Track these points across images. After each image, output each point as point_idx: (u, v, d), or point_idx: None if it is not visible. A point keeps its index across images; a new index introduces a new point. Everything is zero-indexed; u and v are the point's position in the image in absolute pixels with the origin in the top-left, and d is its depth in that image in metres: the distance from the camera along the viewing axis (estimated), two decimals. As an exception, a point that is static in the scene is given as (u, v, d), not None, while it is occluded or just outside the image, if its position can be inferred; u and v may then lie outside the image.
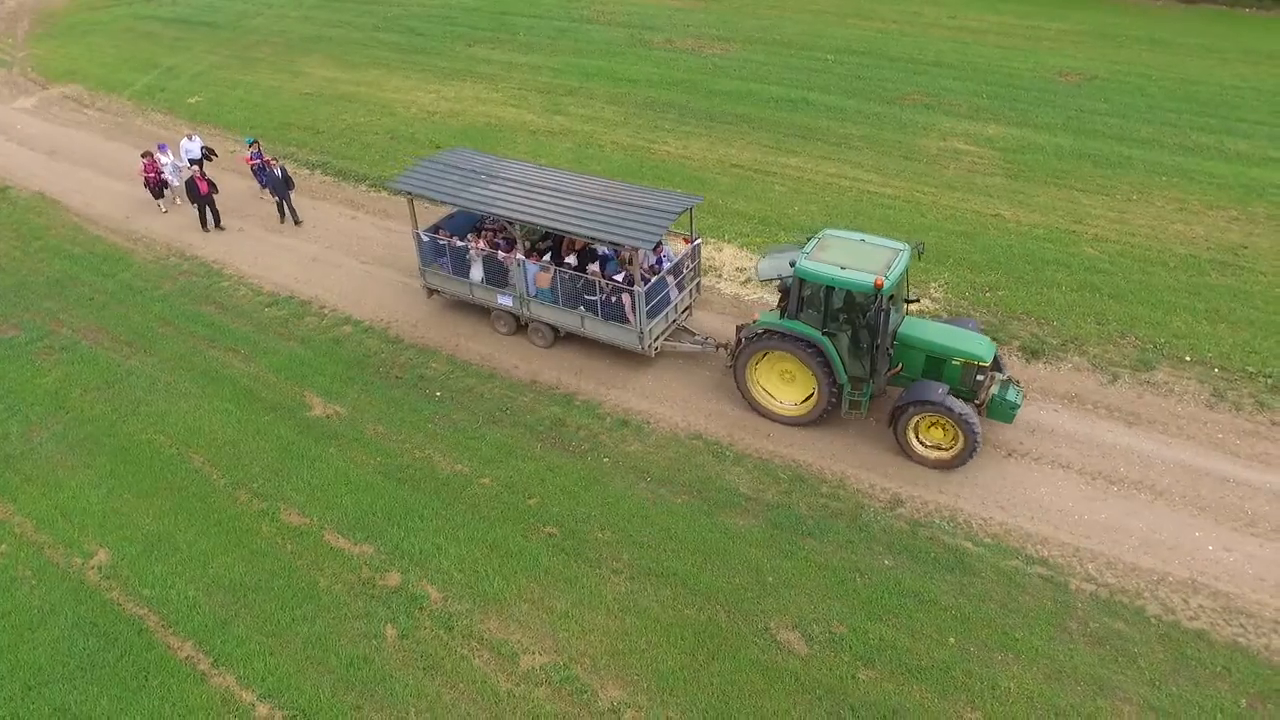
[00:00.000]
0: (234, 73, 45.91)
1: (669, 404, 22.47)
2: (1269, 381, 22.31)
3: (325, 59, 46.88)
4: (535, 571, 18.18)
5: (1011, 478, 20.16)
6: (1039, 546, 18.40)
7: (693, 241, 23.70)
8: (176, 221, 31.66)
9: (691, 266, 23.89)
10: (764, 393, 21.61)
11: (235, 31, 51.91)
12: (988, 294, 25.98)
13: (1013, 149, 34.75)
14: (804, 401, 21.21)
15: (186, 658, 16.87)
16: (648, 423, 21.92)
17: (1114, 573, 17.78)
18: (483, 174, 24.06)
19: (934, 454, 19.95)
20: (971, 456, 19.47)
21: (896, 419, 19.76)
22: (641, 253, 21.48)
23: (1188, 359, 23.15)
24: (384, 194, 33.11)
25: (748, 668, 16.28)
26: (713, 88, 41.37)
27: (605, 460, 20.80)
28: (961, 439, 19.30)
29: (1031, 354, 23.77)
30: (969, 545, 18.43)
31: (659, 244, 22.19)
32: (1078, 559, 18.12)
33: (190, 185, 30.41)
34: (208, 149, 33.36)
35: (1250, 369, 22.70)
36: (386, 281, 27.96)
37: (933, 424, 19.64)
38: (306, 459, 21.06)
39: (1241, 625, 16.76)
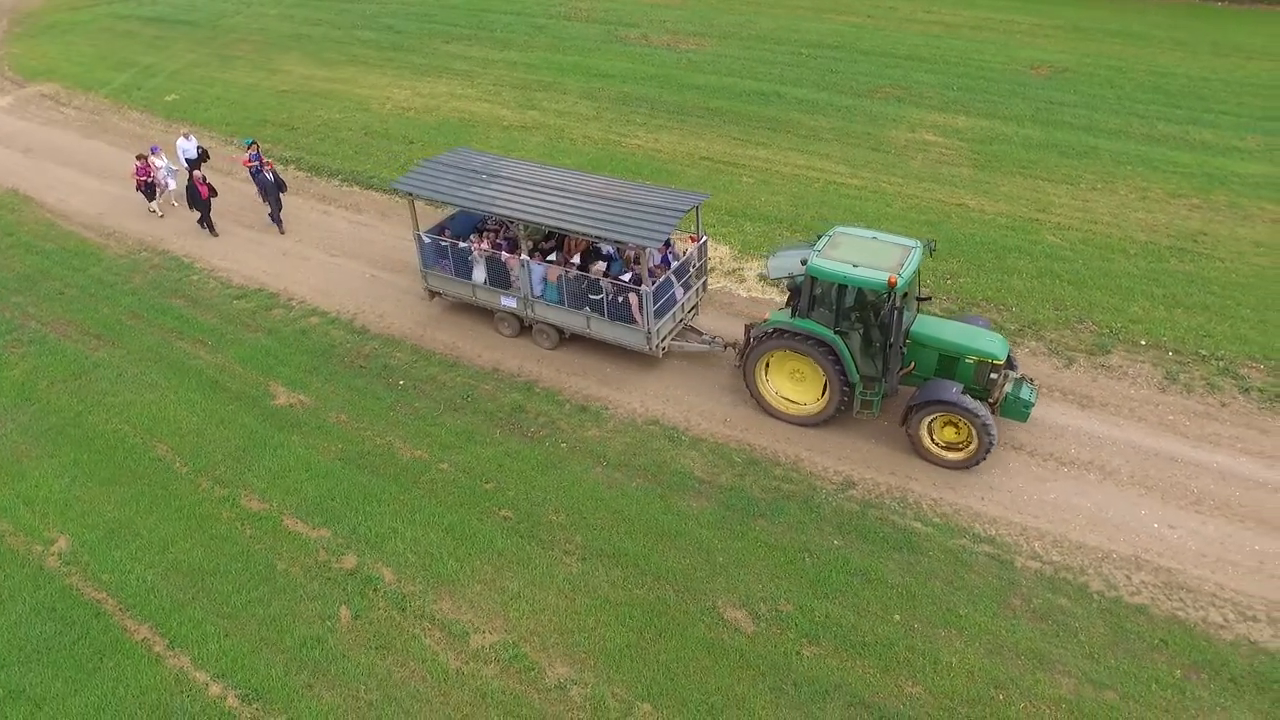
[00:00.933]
0: (212, 71, 46.05)
1: (628, 390, 22.65)
2: (1220, 364, 22.60)
3: (303, 57, 47.07)
4: (489, 553, 18.39)
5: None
6: (987, 526, 18.62)
7: (699, 240, 23.49)
8: (167, 223, 31.64)
9: (698, 265, 23.65)
10: (774, 393, 21.36)
11: (214, 30, 52.05)
12: (949, 281, 26.23)
13: (981, 140, 35.04)
14: (815, 401, 20.98)
15: (143, 640, 17.04)
16: (606, 408, 22.14)
17: (1060, 551, 18.03)
18: (484, 173, 23.76)
19: (948, 454, 19.73)
20: (986, 456, 19.28)
21: (909, 418, 19.54)
22: (649, 251, 21.07)
23: (1143, 343, 23.42)
24: (356, 188, 33.34)
25: (694, 645, 16.47)
26: (686, 82, 41.59)
27: (563, 445, 21.03)
28: (975, 438, 19.07)
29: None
30: (918, 525, 18.64)
31: (667, 242, 22.41)
32: (1025, 538, 18.35)
33: (191, 189, 29.94)
34: (203, 150, 32.85)
35: (1203, 352, 22.98)
36: (356, 274, 28.20)
37: (946, 423, 19.44)
38: (269, 447, 21.25)
39: (1181, 600, 17.01)
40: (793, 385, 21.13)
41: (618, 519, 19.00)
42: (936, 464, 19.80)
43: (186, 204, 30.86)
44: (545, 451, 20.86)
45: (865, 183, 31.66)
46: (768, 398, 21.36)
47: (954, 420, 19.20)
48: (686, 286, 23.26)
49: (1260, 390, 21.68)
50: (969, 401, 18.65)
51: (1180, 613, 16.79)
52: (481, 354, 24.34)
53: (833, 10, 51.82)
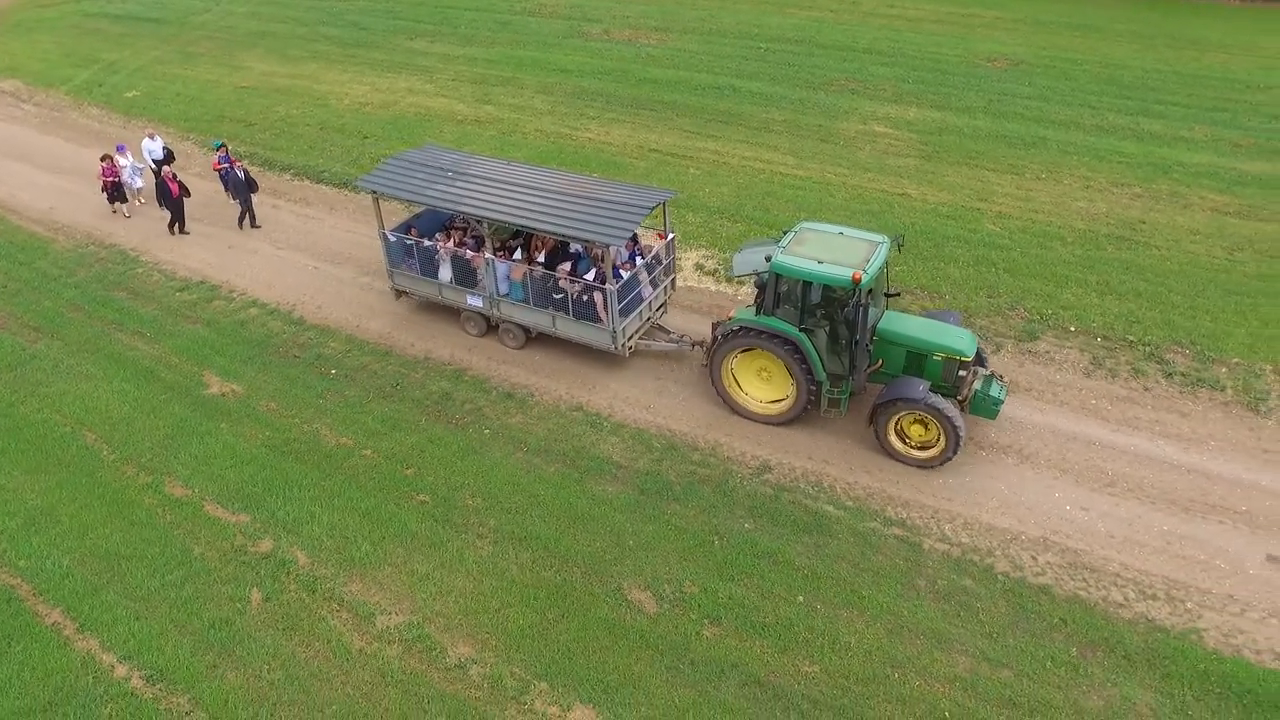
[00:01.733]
0: (174, 68, 46.14)
1: (555, 378, 22.74)
2: (1147, 350, 22.76)
3: (266, 54, 47.18)
4: (403, 537, 18.52)
5: (873, 442, 20.43)
6: (900, 509, 18.78)
7: (666, 237, 23.25)
8: (117, 219, 31.55)
9: (666, 262, 23.38)
10: (741, 392, 21.15)
11: (181, 28, 52.13)
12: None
13: (930, 131, 35.21)
14: (782, 400, 20.77)
15: (53, 624, 17.14)
16: (532, 395, 22.28)
17: (969, 533, 18.17)
18: (450, 171, 23.62)
19: (916, 452, 19.54)
20: (955, 454, 19.09)
21: (876, 417, 19.30)
22: (614, 250, 20.89)
23: (1072, 329, 23.59)
24: (307, 182, 33.43)
25: (596, 625, 16.60)
26: (642, 76, 41.74)
27: (486, 431, 21.18)
28: (944, 437, 18.86)
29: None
30: (830, 508, 18.80)
31: (634, 239, 22.25)
32: (936, 520, 18.50)
33: (162, 188, 29.61)
34: (169, 150, 32.38)
35: (1131, 338, 23.15)
36: (299, 266, 28.33)
37: (914, 421, 19.18)
38: (197, 435, 21.36)
39: (1085, 580, 17.20)
40: (760, 384, 20.95)
41: (533, 503, 19.11)
42: (904, 463, 19.64)
43: (157, 203, 30.58)
44: (468, 438, 20.98)
45: (811, 173, 31.79)
46: (735, 397, 21.15)
47: (922, 419, 18.96)
48: (654, 284, 23.05)
49: (1183, 375, 21.83)
50: (937, 399, 18.46)
51: (1083, 592, 16.93)
52: (414, 343, 24.47)
53: (795, 5, 51.97)
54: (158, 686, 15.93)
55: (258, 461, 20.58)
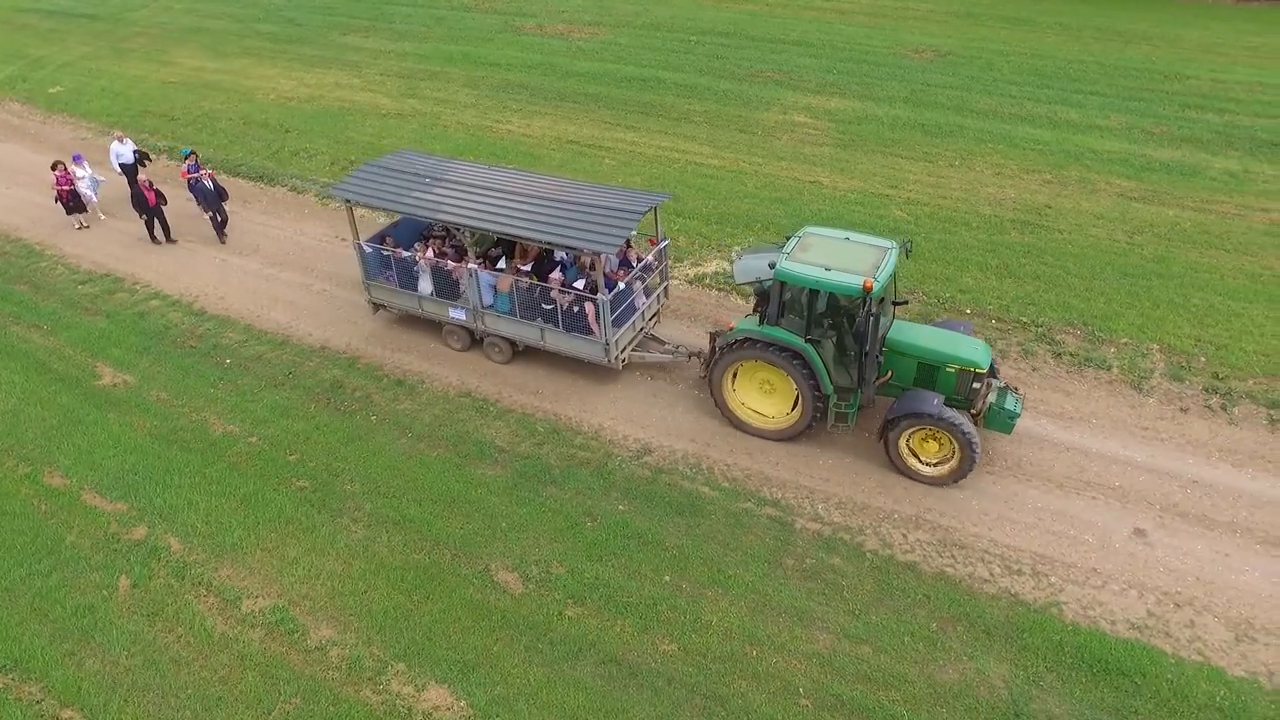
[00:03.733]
0: (103, 63, 45.80)
1: (447, 365, 22.68)
2: (1039, 330, 22.90)
3: (198, 49, 46.92)
4: (278, 522, 18.47)
5: None
6: (775, 489, 18.81)
7: (659, 243, 22.22)
8: (23, 211, 31.27)
9: (658, 269, 22.47)
10: (743, 407, 20.20)
11: (115, 23, 51.79)
12: (788, 256, 26.29)
13: (849, 121, 35.34)
14: (787, 414, 19.81)
15: (-88, 618, 16.84)
16: (422, 382, 22.23)
17: (842, 512, 18.24)
18: (427, 177, 22.40)
19: (928, 469, 18.68)
20: (969, 471, 18.18)
21: (887, 432, 18.34)
22: (604, 258, 19.86)
23: (968, 312, 23.71)
24: (223, 175, 33.03)
25: (459, 606, 16.58)
26: (570, 69, 41.75)
27: (373, 418, 21.14)
28: (958, 452, 17.96)
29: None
30: (706, 490, 18.83)
31: (627, 243, 21.22)
32: (810, 500, 18.58)
33: (138, 196, 28.31)
34: (141, 152, 31.27)
35: (1024, 319, 23.31)
36: (206, 259, 28.19)
37: (927, 437, 18.26)
38: (83, 425, 21.20)
39: (953, 556, 17.26)
40: (763, 397, 19.93)
41: (410, 487, 19.10)
42: (915, 479, 18.72)
43: (134, 210, 29.15)
44: (355, 424, 20.94)
45: (726, 163, 31.90)
46: (736, 412, 20.16)
47: (935, 434, 18.05)
48: (647, 293, 22.04)
49: (1072, 355, 21.98)
50: (952, 414, 17.54)
51: (949, 569, 17.04)
52: (313, 333, 24.40)
53: (733, -1, 51.95)
54: (10, 676, 15.83)
55: (141, 450, 20.43)
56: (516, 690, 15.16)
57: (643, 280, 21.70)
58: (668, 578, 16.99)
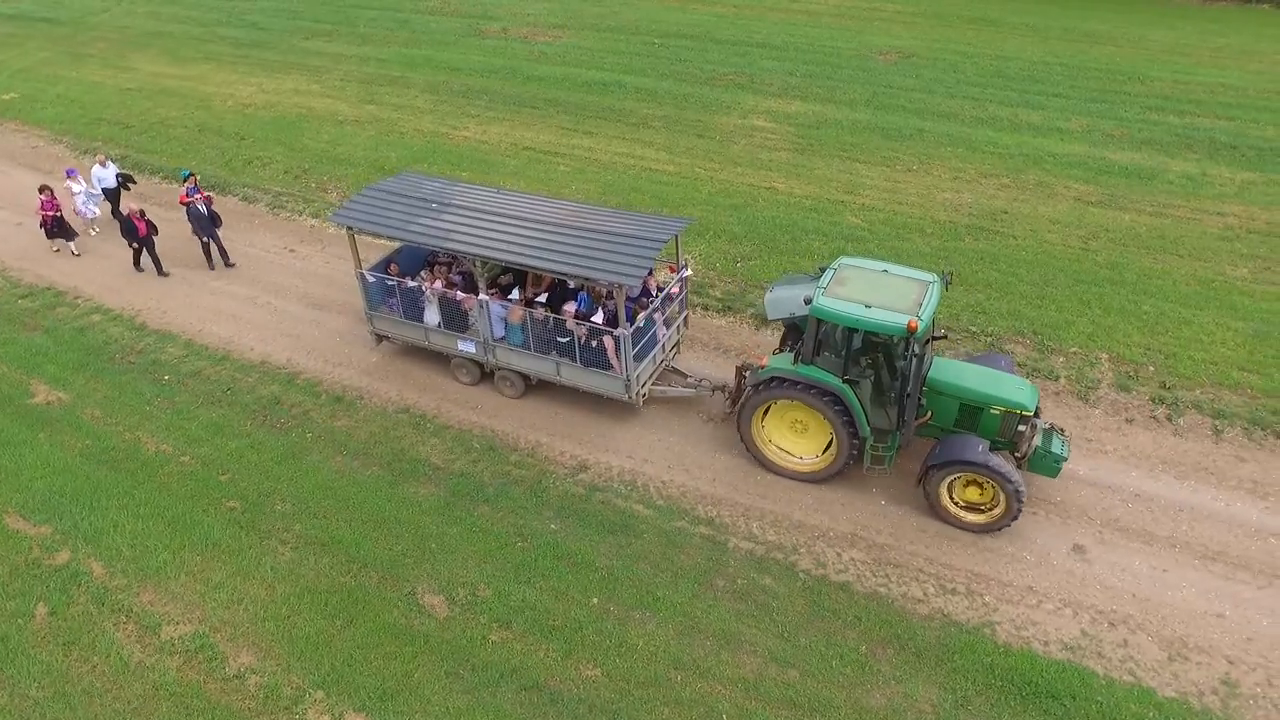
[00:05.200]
0: (61, 69, 45.34)
1: (389, 380, 22.33)
2: (988, 340, 22.64)
3: (158, 54, 46.49)
4: (204, 545, 18.15)
5: (698, 441, 20.53)
6: (710, 507, 18.53)
7: (680, 271, 21.33)
8: (95, 266, 28.85)
9: (680, 298, 21.42)
10: (773, 447, 19.32)
11: (75, 28, 51.25)
12: (739, 264, 26.25)
13: (809, 125, 35.09)
14: (820, 456, 18.88)
15: None
16: (361, 398, 21.92)
17: (777, 530, 17.97)
18: (434, 202, 21.24)
19: (970, 516, 17.75)
20: (1015, 520, 17.36)
21: (928, 478, 17.47)
22: (625, 289, 18.71)
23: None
24: (175, 184, 32.52)
25: (382, 631, 16.28)
26: (531, 73, 41.46)
27: (309, 435, 20.82)
28: (1004, 502, 17.10)
29: (763, 321, 23.94)
30: (640, 508, 18.56)
31: (650, 271, 19.93)
32: (745, 518, 18.28)
33: (128, 225, 27.11)
34: (124, 175, 30.16)
35: (974, 329, 23.09)
36: (151, 272, 27.60)
37: (969, 483, 17.39)
38: (10, 445, 20.83)
39: (887, 576, 17.02)
40: (794, 437, 19.01)
41: (342, 507, 18.80)
42: (955, 526, 17.87)
43: (124, 239, 27.72)
44: (290, 442, 20.61)
45: (681, 168, 31.67)
46: (766, 452, 19.21)
47: (978, 480, 17.21)
48: (667, 324, 21.04)
49: (1020, 366, 21.62)
50: (998, 462, 16.63)
51: (883, 589, 16.79)
52: (254, 347, 24.12)
53: (700, 1, 51.66)
54: (-84, 712, 15.26)
55: (71, 471, 20.10)
56: (436, 719, 14.69)
57: (663, 311, 20.66)
58: (595, 600, 16.68)
